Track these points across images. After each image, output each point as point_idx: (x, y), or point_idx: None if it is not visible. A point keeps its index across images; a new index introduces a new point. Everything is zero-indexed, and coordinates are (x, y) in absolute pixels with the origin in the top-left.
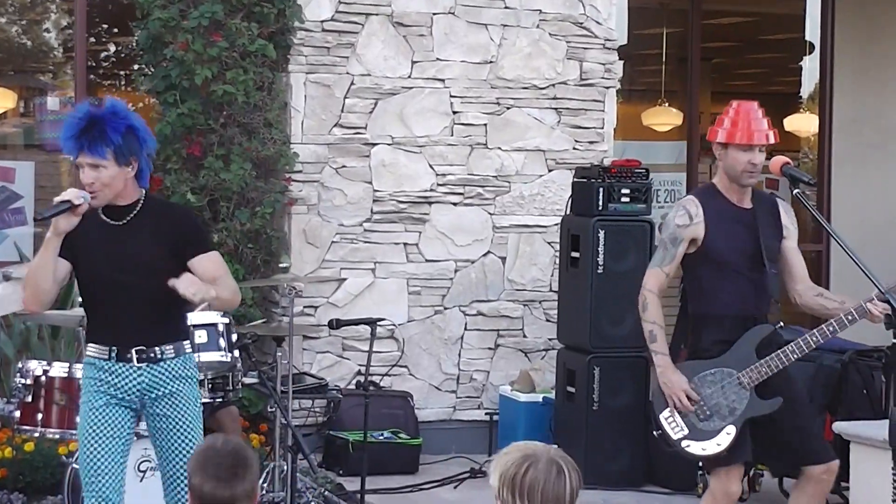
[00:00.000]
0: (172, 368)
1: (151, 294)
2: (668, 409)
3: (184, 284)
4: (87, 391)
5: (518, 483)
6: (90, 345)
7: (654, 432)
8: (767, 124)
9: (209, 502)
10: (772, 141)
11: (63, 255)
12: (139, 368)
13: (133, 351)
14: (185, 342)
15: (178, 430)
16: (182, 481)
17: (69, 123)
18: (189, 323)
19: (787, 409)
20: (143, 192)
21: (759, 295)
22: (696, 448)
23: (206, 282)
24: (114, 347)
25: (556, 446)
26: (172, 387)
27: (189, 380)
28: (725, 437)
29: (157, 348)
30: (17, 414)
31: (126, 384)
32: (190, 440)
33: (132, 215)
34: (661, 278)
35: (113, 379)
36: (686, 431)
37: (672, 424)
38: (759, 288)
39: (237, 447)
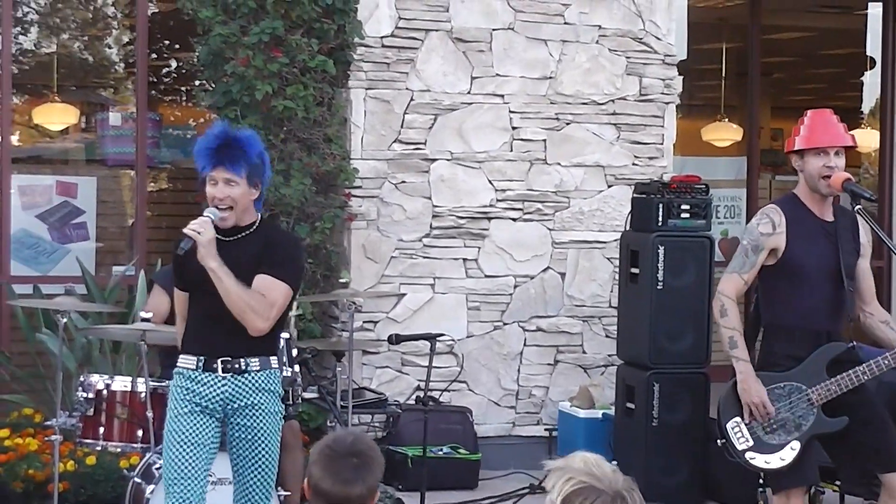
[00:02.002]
0: (256, 381)
1: None
2: (736, 418)
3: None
4: (174, 399)
5: None
6: (182, 356)
7: (719, 441)
8: (843, 129)
9: (324, 497)
10: (848, 143)
11: (177, 285)
12: (223, 378)
13: (219, 361)
14: (271, 357)
15: (255, 442)
16: (254, 493)
17: (208, 138)
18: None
19: (860, 421)
20: (259, 216)
21: (835, 310)
22: (759, 461)
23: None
24: (202, 358)
25: (620, 474)
26: (254, 398)
27: (272, 393)
28: (789, 452)
29: (242, 360)
30: (80, 427)
31: (210, 393)
32: (267, 453)
33: (242, 234)
34: (739, 284)
35: (198, 388)
36: (751, 443)
37: (738, 435)
38: (835, 303)
39: (364, 448)
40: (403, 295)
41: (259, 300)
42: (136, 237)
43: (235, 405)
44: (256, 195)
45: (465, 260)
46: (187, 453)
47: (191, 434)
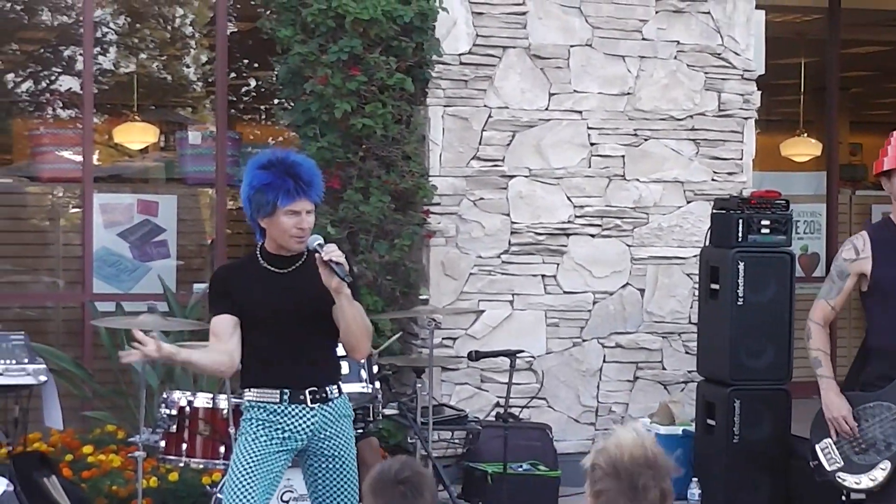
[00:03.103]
0: (338, 407)
1: (319, 337)
2: (827, 440)
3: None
4: (251, 430)
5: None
6: (254, 390)
7: (811, 463)
8: None
9: None
10: None
11: (231, 311)
12: (311, 409)
13: (307, 392)
14: (340, 382)
15: (340, 469)
16: None
17: (275, 171)
18: None
19: None
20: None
21: None
22: (850, 480)
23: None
24: (286, 390)
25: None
26: (338, 426)
27: (349, 418)
28: (880, 472)
29: (326, 388)
30: (162, 444)
31: (298, 425)
32: (352, 478)
33: (297, 264)
34: (826, 310)
35: (285, 420)
36: (841, 463)
37: (828, 456)
38: None
39: (409, 475)
40: (482, 311)
41: (368, 322)
42: (215, 255)
43: (322, 435)
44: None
45: (543, 276)
46: (257, 479)
47: (265, 462)
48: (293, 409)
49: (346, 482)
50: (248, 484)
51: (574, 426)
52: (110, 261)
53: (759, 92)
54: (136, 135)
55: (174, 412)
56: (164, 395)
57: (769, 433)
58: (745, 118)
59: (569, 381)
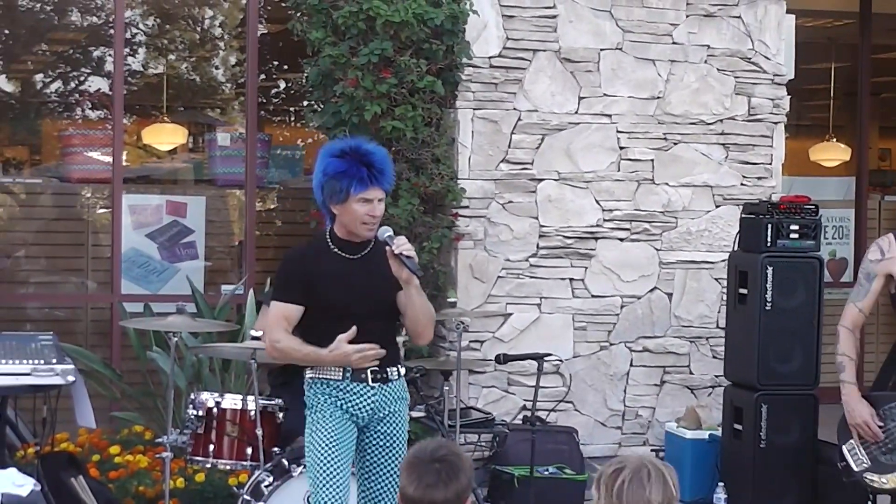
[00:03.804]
0: (397, 390)
1: (383, 321)
2: (852, 441)
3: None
4: (319, 405)
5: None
6: (317, 368)
7: (839, 464)
8: None
9: (411, 503)
10: None
11: (300, 300)
12: (372, 388)
13: (368, 371)
14: (401, 366)
15: (393, 449)
16: (383, 497)
17: (349, 158)
18: None
19: None
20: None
21: None
22: (877, 481)
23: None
24: (348, 368)
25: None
26: (395, 407)
27: (406, 402)
28: None
29: (387, 369)
30: (190, 445)
31: (359, 402)
32: (400, 459)
33: (366, 251)
34: (855, 313)
35: (347, 397)
36: (868, 464)
37: (855, 456)
38: None
39: (446, 454)
40: (510, 315)
41: (433, 312)
42: (245, 256)
43: (380, 414)
44: None
45: (571, 280)
46: (337, 455)
47: (340, 437)
48: (355, 387)
49: (395, 461)
50: (333, 458)
51: (601, 430)
52: (139, 262)
53: (789, 97)
54: (166, 136)
55: (202, 413)
56: (192, 396)
57: (797, 438)
58: (775, 123)
59: (596, 385)
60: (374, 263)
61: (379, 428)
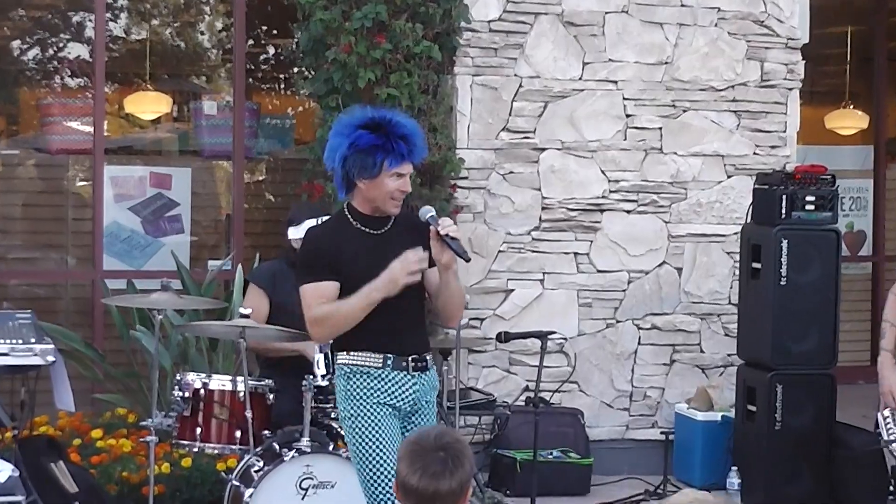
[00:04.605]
0: (432, 378)
1: (413, 301)
2: (889, 408)
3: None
4: (358, 398)
5: None
6: (359, 353)
7: (875, 430)
8: None
9: (413, 494)
10: None
11: (332, 277)
12: (413, 377)
13: (409, 359)
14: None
15: None
16: None
17: (394, 133)
18: None
19: None
20: None
21: None
22: None
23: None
24: (389, 355)
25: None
26: (431, 396)
27: (436, 390)
28: None
29: (426, 357)
30: (176, 428)
31: (401, 392)
32: None
33: (389, 225)
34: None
35: (388, 387)
36: None
37: (888, 425)
38: None
39: (451, 441)
40: (511, 291)
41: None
42: (232, 231)
43: (421, 403)
44: None
45: (576, 254)
46: (387, 451)
47: (388, 432)
48: (396, 376)
49: None
50: (382, 455)
51: (607, 412)
52: (122, 236)
53: (804, 62)
54: (149, 105)
55: (188, 395)
56: (178, 377)
57: (812, 420)
58: (789, 89)
59: (602, 365)
60: (399, 239)
61: (417, 419)
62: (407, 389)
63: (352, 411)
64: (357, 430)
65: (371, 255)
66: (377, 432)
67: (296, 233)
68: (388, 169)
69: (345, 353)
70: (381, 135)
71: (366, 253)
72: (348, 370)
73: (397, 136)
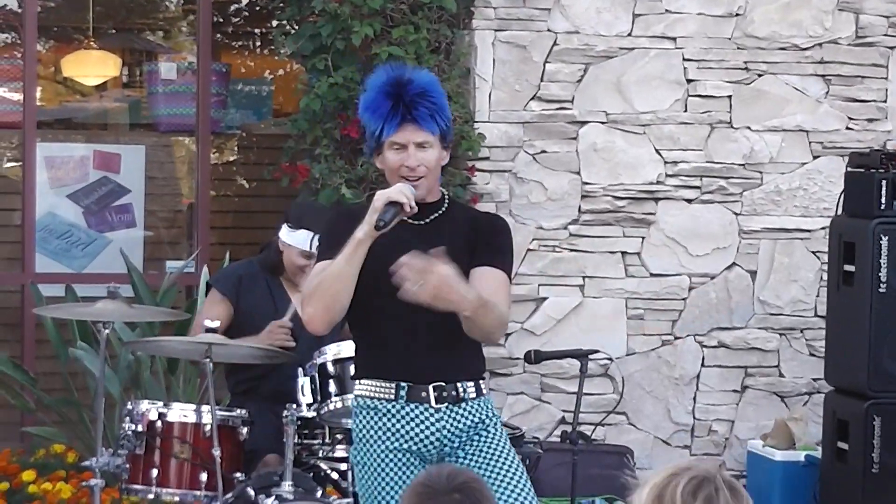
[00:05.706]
0: (475, 411)
1: (446, 314)
2: None
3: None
4: (366, 442)
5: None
6: (363, 381)
7: None
8: None
9: None
10: None
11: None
12: (437, 411)
13: (430, 388)
14: (483, 380)
15: (496, 484)
16: None
17: (379, 89)
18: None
19: None
20: (443, 191)
21: None
22: None
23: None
24: (402, 384)
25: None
26: (473, 435)
27: (494, 421)
28: None
29: (458, 385)
30: (126, 469)
31: (420, 431)
32: (515, 493)
33: (437, 214)
34: None
35: (402, 426)
36: None
37: None
38: None
39: (466, 480)
40: (544, 299)
41: (505, 306)
42: (196, 223)
43: (454, 444)
44: (447, 160)
45: (624, 254)
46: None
47: (396, 487)
48: (412, 410)
49: (510, 479)
50: None
51: (663, 450)
52: (59, 231)
53: None
54: (92, 67)
55: (141, 428)
56: (129, 406)
57: None
58: (891, 48)
59: (656, 391)
60: (440, 231)
61: (467, 451)
62: (428, 427)
63: (357, 457)
64: (364, 481)
65: (402, 250)
66: (388, 487)
67: (289, 237)
68: (385, 137)
69: (357, 381)
70: (377, 93)
71: (396, 246)
72: (356, 404)
73: (390, 93)
